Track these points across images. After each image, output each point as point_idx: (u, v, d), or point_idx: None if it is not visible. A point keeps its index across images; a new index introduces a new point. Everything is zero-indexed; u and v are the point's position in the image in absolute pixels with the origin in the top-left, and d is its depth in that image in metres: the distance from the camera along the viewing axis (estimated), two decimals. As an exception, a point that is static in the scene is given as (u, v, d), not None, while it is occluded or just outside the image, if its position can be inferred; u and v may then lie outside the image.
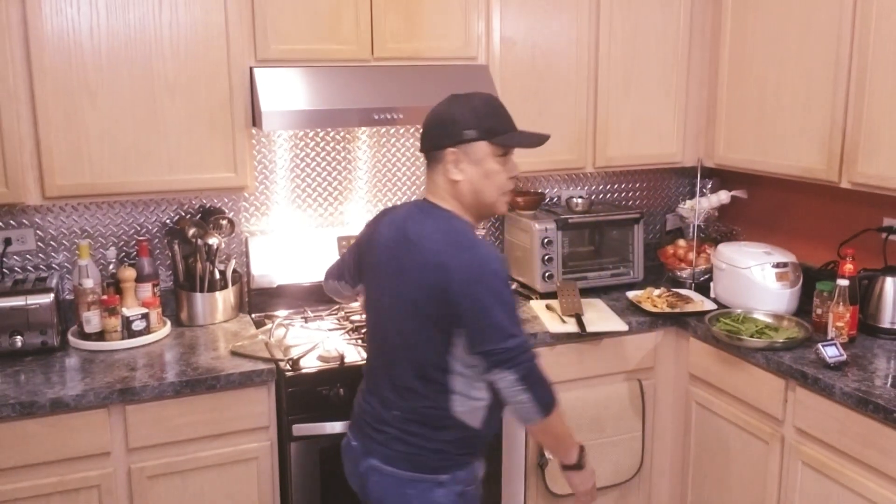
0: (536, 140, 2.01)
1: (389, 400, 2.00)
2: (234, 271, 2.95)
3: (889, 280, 2.66)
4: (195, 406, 2.38)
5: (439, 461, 1.97)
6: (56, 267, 2.84)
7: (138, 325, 2.63)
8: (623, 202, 3.66)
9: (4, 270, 2.77)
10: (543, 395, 1.89)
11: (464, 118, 1.93)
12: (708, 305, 3.00)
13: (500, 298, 1.85)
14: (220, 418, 2.41)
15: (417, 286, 1.90)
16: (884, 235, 2.81)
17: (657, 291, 3.11)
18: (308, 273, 2.98)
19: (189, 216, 2.96)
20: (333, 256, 2.72)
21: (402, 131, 3.23)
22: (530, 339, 1.90)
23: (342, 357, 2.51)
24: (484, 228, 3.38)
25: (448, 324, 1.88)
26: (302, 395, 2.43)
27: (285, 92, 2.60)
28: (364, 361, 2.20)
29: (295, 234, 3.07)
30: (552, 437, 2.00)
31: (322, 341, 2.65)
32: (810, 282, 2.82)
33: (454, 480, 1.98)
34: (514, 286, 1.85)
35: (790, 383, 2.49)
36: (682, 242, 3.40)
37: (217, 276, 2.86)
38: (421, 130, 2.02)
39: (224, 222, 2.93)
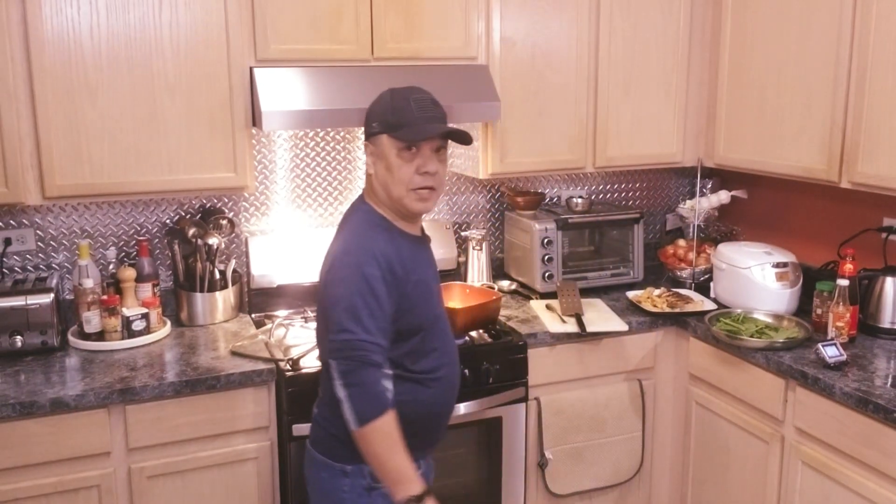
0: (433, 130, 1.90)
1: (320, 383, 2.06)
2: (234, 271, 2.95)
3: (889, 280, 2.66)
4: (195, 406, 2.38)
5: (343, 449, 1.94)
6: (56, 267, 2.84)
7: (138, 325, 2.63)
8: (623, 202, 3.66)
9: (4, 270, 2.77)
10: (359, 405, 1.80)
11: (374, 112, 1.94)
12: (708, 305, 3.00)
13: (347, 292, 1.83)
14: (220, 418, 2.41)
15: (320, 277, 1.96)
16: (884, 235, 2.81)
17: (657, 291, 3.11)
18: (308, 273, 2.98)
19: (189, 216, 2.96)
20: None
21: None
22: (370, 345, 1.80)
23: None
24: (484, 228, 3.38)
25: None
26: (302, 395, 2.43)
27: (285, 92, 2.60)
28: None
29: (295, 234, 3.07)
30: (371, 457, 1.85)
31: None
32: (810, 282, 2.82)
33: (360, 473, 1.94)
34: (374, 284, 1.74)
35: (790, 383, 2.49)
36: (682, 242, 3.40)
37: (217, 276, 2.86)
38: None
39: (224, 222, 2.93)
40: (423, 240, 2.08)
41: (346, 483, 1.96)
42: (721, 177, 3.50)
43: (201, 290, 2.84)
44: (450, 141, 1.99)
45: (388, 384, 1.85)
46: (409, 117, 1.89)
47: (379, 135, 1.92)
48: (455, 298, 2.84)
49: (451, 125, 1.97)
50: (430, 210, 2.00)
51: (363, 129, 1.99)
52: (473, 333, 2.76)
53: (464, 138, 1.96)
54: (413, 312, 1.93)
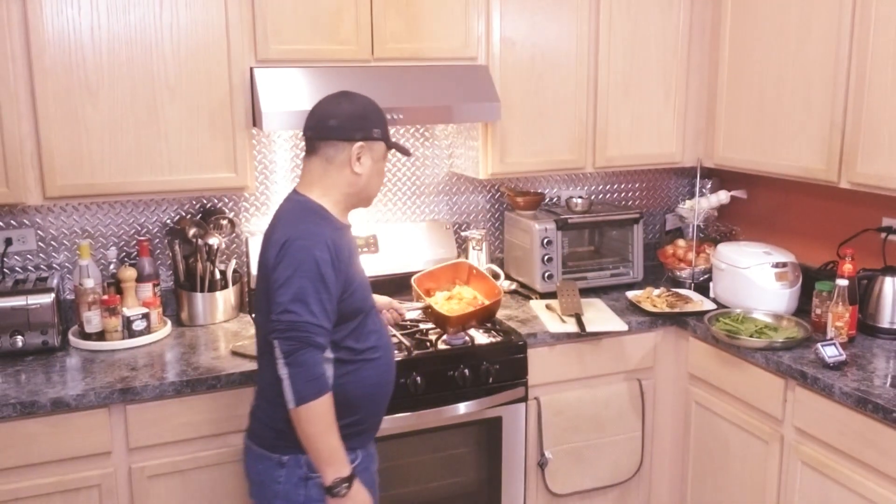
0: (407, 150, 2.21)
1: (258, 374, 2.12)
2: (235, 271, 2.95)
3: (888, 280, 2.66)
4: (196, 406, 2.39)
5: (277, 440, 2.00)
6: (57, 267, 2.84)
7: (139, 325, 2.64)
8: (623, 202, 3.67)
9: (5, 270, 2.77)
10: (299, 383, 1.87)
11: (372, 117, 2.05)
12: (707, 305, 3.01)
13: (296, 275, 1.89)
14: (221, 418, 2.41)
15: (260, 262, 2.02)
16: (883, 235, 2.82)
17: (657, 291, 3.12)
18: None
19: (189, 216, 2.97)
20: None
21: (402, 131, 3.24)
22: (314, 327, 1.87)
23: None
24: (484, 228, 3.39)
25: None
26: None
27: (286, 92, 2.60)
28: None
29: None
30: (305, 437, 1.91)
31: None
32: (809, 282, 2.83)
33: (296, 464, 1.99)
34: (322, 271, 1.85)
35: (789, 383, 2.49)
36: (681, 242, 3.40)
37: (217, 276, 2.87)
38: (315, 117, 2.05)
39: (224, 222, 2.94)
40: (349, 228, 2.18)
41: (283, 474, 2.01)
42: (720, 177, 3.50)
43: (202, 290, 2.84)
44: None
45: (329, 368, 1.95)
46: (388, 129, 2.10)
47: (378, 140, 2.05)
48: (461, 279, 2.83)
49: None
50: None
51: (348, 129, 2.02)
52: (473, 332, 2.76)
53: (408, 152, 2.23)
54: (355, 295, 2.01)
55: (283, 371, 1.87)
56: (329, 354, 1.96)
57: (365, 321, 2.07)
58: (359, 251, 2.23)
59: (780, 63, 2.84)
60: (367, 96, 2.09)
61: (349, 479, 1.93)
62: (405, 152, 2.20)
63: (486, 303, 2.66)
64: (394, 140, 2.15)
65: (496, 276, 3.03)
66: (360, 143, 2.01)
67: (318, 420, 1.89)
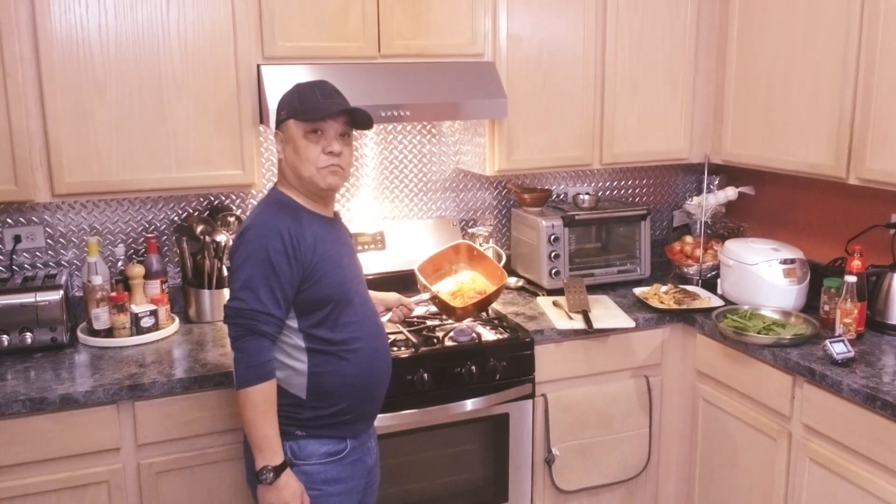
0: (332, 107, 1.99)
1: None
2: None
3: (897, 276, 2.65)
4: (204, 402, 2.39)
5: None
6: (65, 264, 2.85)
7: (147, 322, 2.65)
8: (630, 199, 3.66)
9: (14, 267, 2.78)
10: (240, 368, 1.94)
11: (282, 102, 2.07)
12: (715, 302, 3.00)
13: (246, 263, 1.95)
14: (229, 414, 2.41)
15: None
16: (892, 231, 2.81)
17: (664, 288, 3.11)
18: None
19: (197, 213, 2.97)
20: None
21: (409, 128, 3.24)
22: (261, 315, 1.93)
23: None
24: (491, 225, 3.38)
25: None
26: (309, 391, 2.44)
27: (292, 89, 2.60)
28: None
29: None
30: (242, 420, 1.97)
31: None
32: (818, 278, 2.82)
33: (286, 451, 2.02)
34: (274, 258, 1.91)
35: (797, 380, 2.49)
36: (689, 239, 3.39)
37: (225, 272, 2.87)
38: None
39: (232, 219, 2.94)
40: (335, 220, 2.19)
41: None
42: (728, 173, 3.49)
43: (209, 287, 2.85)
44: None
45: (304, 357, 2.00)
46: (313, 102, 2.01)
47: (286, 121, 2.04)
48: (463, 266, 2.85)
49: (357, 106, 2.07)
50: (339, 186, 2.10)
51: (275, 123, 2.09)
52: (480, 329, 2.76)
53: (365, 120, 2.06)
54: (321, 283, 2.01)
55: (233, 356, 1.96)
56: (300, 343, 2.00)
57: (339, 311, 2.05)
58: (349, 242, 2.22)
59: (787, 58, 2.83)
60: (318, 80, 2.08)
61: (277, 469, 1.96)
62: (318, 114, 1.98)
63: (491, 290, 2.69)
64: (311, 109, 1.99)
65: (499, 258, 3.04)
66: (276, 132, 2.08)
67: (253, 406, 1.93)
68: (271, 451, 1.96)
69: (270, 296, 1.94)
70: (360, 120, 2.06)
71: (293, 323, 2.02)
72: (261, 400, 1.94)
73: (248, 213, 2.10)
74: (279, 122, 2.07)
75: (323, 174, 2.02)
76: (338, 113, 2.01)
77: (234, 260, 1.98)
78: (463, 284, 2.78)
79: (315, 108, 2.00)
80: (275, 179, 3.00)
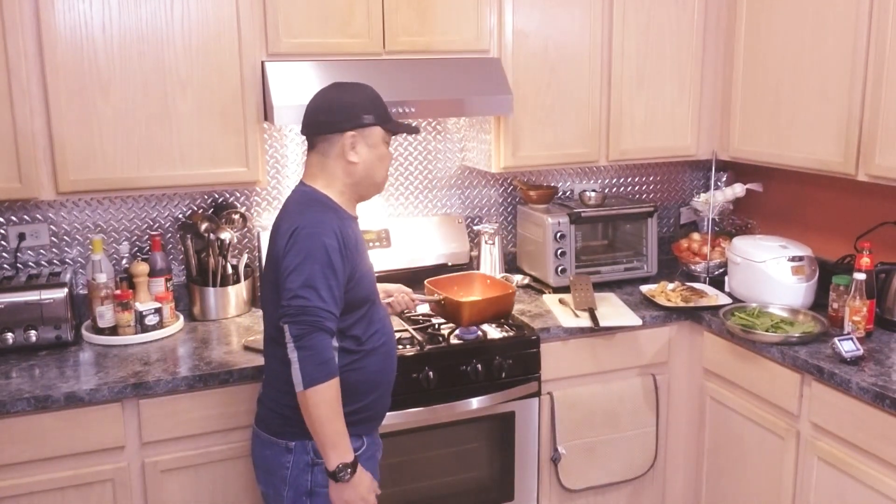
0: (413, 129, 2.19)
1: (265, 362, 2.16)
2: (247, 266, 2.95)
3: (907, 274, 2.63)
4: (208, 400, 2.39)
5: (284, 426, 2.04)
6: (69, 262, 2.85)
7: (151, 320, 2.64)
8: (637, 196, 3.64)
9: (18, 265, 2.78)
10: (308, 366, 1.89)
11: (362, 104, 2.05)
12: (722, 300, 2.98)
13: (306, 261, 1.92)
14: (234, 413, 2.41)
15: (269, 252, 2.05)
16: (901, 229, 2.79)
17: (671, 285, 3.09)
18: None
19: (201, 211, 2.97)
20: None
21: (414, 125, 3.22)
22: (324, 312, 1.90)
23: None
24: (496, 222, 3.37)
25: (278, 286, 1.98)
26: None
27: (297, 86, 2.59)
28: None
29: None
30: (311, 420, 1.93)
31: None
32: (826, 275, 2.80)
33: (304, 449, 2.03)
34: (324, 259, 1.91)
35: (806, 378, 2.47)
36: (696, 236, 3.38)
37: (229, 270, 2.87)
38: (307, 113, 2.09)
39: (236, 217, 2.94)
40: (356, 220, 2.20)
41: (290, 459, 2.04)
42: (736, 170, 3.47)
43: (214, 285, 2.84)
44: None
45: (335, 356, 1.95)
46: (387, 112, 2.10)
47: (373, 126, 2.05)
48: (475, 290, 2.83)
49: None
50: None
51: (337, 121, 2.03)
52: (486, 327, 2.75)
53: (417, 130, 2.24)
54: (361, 284, 2.04)
55: (293, 355, 1.89)
56: (335, 343, 1.98)
57: (371, 311, 2.09)
58: (365, 243, 2.24)
59: (796, 54, 2.81)
60: (362, 83, 2.11)
61: (352, 465, 1.95)
62: (410, 131, 2.18)
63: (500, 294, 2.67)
64: (395, 121, 2.14)
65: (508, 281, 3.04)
66: (350, 133, 2.02)
67: (325, 404, 1.90)
68: (344, 447, 1.94)
69: (330, 293, 1.92)
70: (414, 130, 2.21)
71: None
72: (331, 397, 1.91)
73: (287, 214, 2.04)
74: (361, 125, 2.03)
75: (385, 182, 2.15)
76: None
77: (290, 259, 1.93)
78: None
79: (392, 120, 2.10)
80: (279, 177, 3.05)
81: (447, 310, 2.64)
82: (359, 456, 2.03)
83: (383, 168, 2.11)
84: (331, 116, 2.04)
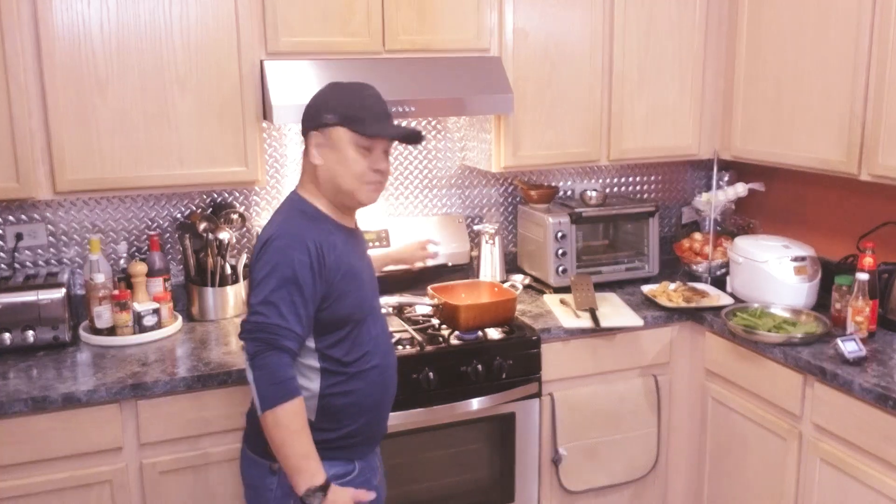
0: (397, 131, 1.96)
1: None
2: (245, 266, 2.93)
3: (910, 274, 2.62)
4: (207, 401, 2.38)
5: (267, 445, 1.88)
6: (67, 262, 2.84)
7: (149, 320, 2.63)
8: (638, 195, 3.63)
9: (16, 265, 2.77)
10: (263, 386, 1.79)
11: (327, 103, 1.92)
12: (724, 300, 2.97)
13: (268, 275, 1.83)
14: (232, 414, 2.40)
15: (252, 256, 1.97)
16: (904, 228, 2.77)
17: (673, 286, 3.08)
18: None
19: (200, 211, 2.96)
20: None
21: (414, 124, 3.21)
22: (283, 330, 1.80)
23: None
24: (497, 222, 3.36)
25: None
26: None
27: (296, 85, 2.58)
28: None
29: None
30: (272, 443, 1.82)
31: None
32: (829, 276, 2.79)
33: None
34: (296, 271, 1.81)
35: (808, 379, 2.45)
36: (697, 236, 3.36)
37: (228, 270, 2.85)
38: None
39: (235, 217, 2.92)
40: (357, 232, 2.09)
41: (274, 481, 1.95)
42: (738, 169, 3.46)
43: (212, 285, 2.83)
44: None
45: (316, 378, 1.89)
46: (367, 113, 1.90)
47: (334, 126, 1.90)
48: (482, 297, 2.81)
49: (414, 127, 1.97)
50: (376, 202, 2.02)
51: (306, 120, 1.96)
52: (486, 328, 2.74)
53: (418, 138, 2.00)
54: (341, 302, 1.91)
55: (250, 374, 1.81)
56: (315, 363, 1.91)
57: (357, 331, 1.96)
58: (367, 251, 2.13)
59: (798, 53, 2.79)
60: (364, 83, 1.98)
61: (322, 488, 1.81)
62: (389, 135, 1.93)
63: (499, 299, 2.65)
64: (365, 124, 1.88)
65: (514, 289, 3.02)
66: (313, 133, 1.92)
67: (283, 426, 1.79)
68: (310, 471, 1.81)
69: (293, 311, 1.81)
70: (413, 137, 1.99)
71: (310, 343, 1.91)
72: (290, 419, 1.79)
73: (269, 221, 1.97)
74: (322, 125, 1.90)
75: (367, 190, 1.93)
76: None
77: (256, 272, 1.85)
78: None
79: (373, 122, 1.89)
80: (278, 176, 3.04)
81: (445, 313, 2.63)
82: (349, 482, 1.95)
83: (348, 174, 1.90)
84: (305, 115, 1.96)
